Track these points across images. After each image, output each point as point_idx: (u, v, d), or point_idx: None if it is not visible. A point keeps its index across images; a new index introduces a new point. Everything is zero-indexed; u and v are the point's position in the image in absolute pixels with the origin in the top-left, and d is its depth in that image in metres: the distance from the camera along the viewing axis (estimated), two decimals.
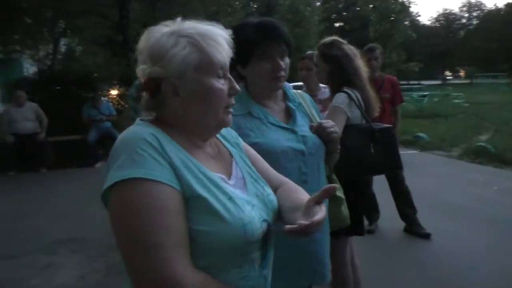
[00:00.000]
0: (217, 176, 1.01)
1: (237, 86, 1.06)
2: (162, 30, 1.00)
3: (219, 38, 1.00)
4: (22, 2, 10.61)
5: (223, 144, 1.19)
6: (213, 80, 1.00)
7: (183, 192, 0.92)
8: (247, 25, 1.54)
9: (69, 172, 7.68)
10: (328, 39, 2.51)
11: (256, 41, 1.50)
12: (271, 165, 1.48)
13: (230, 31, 1.04)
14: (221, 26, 1.04)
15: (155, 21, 1.05)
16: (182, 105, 0.99)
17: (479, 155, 7.99)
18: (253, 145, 1.47)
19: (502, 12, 52.32)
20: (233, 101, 1.07)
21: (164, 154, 0.93)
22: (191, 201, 0.93)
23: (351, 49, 2.44)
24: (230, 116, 1.07)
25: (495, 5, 58.01)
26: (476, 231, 4.30)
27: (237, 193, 1.03)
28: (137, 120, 1.04)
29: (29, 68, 18.71)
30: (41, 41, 13.69)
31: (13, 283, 3.45)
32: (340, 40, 2.48)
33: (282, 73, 1.55)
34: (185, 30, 0.99)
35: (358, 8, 48.54)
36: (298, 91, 1.80)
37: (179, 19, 1.03)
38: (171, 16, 1.05)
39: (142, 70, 0.99)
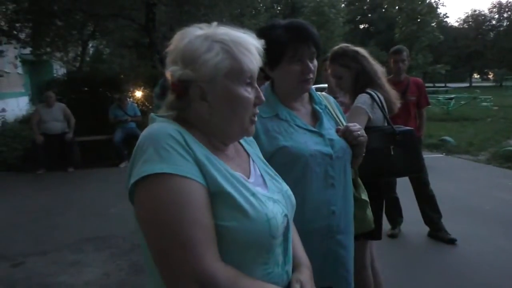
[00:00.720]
0: (239, 174, 1.02)
1: (263, 96, 1.06)
2: (196, 32, 1.00)
3: (251, 47, 1.01)
4: (53, 6, 10.88)
5: (240, 143, 1.20)
6: (241, 88, 1.00)
7: (208, 187, 0.93)
8: (277, 26, 1.53)
9: (95, 171, 7.84)
10: (338, 48, 2.49)
11: (287, 43, 1.48)
12: (299, 169, 1.48)
13: (262, 41, 1.04)
14: (254, 35, 1.04)
15: (181, 24, 1.06)
16: (208, 110, 1.00)
17: (508, 160, 7.78)
18: (282, 148, 1.47)
19: None
20: (257, 110, 1.07)
21: (189, 149, 0.94)
22: (216, 196, 0.93)
23: (362, 50, 2.43)
24: (253, 126, 1.07)
25: None
26: (504, 237, 4.19)
27: (258, 190, 1.04)
28: (157, 117, 1.04)
29: (59, 70, 19.24)
30: (70, 43, 14.02)
31: (41, 279, 3.55)
32: (348, 44, 2.48)
33: (311, 76, 1.54)
34: (219, 35, 0.99)
35: (383, 10, 48.01)
36: (323, 93, 1.79)
37: (215, 23, 1.04)
38: (197, 19, 1.05)
39: (172, 71, 0.99)
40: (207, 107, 1.00)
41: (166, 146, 0.91)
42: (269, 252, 1.01)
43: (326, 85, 3.61)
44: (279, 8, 43.63)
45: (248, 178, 1.08)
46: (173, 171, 0.89)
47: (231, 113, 1.01)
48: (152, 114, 1.05)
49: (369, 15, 53.10)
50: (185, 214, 0.88)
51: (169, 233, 0.87)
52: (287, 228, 1.07)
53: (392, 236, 4.27)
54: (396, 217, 4.39)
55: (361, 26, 54.24)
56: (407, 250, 4.06)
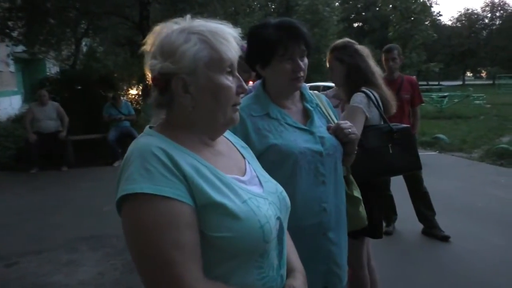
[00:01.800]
0: (231, 178, 1.02)
1: (245, 85, 1.07)
2: (172, 27, 1.01)
3: (229, 36, 1.01)
4: (47, 3, 10.80)
5: (234, 146, 1.20)
6: (222, 77, 1.01)
7: (197, 201, 0.92)
8: (267, 25, 1.54)
9: (89, 170, 7.81)
10: (340, 41, 2.50)
11: (277, 42, 1.49)
12: (289, 166, 1.49)
13: (239, 30, 1.05)
14: (230, 25, 1.05)
15: None
16: (192, 102, 1.00)
17: (501, 157, 7.83)
18: (272, 146, 1.49)
19: None
20: (240, 99, 1.07)
21: (173, 167, 0.92)
22: (207, 208, 0.93)
23: (363, 49, 2.44)
24: (237, 114, 1.07)
25: None
26: (497, 234, 4.23)
27: (253, 189, 1.04)
28: (146, 128, 1.05)
29: (52, 68, 19.11)
30: (64, 41, 13.91)
31: (35, 279, 3.53)
32: (352, 41, 2.48)
33: (302, 74, 1.55)
34: (195, 27, 1.00)
35: (377, 8, 48.10)
36: (315, 91, 1.80)
37: (188, 16, 1.04)
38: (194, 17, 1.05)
39: (151, 66, 0.99)
40: (190, 99, 1.00)
41: (147, 166, 0.91)
42: (263, 257, 1.01)
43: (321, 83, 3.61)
44: (273, 6, 43.59)
45: (243, 175, 1.08)
46: (153, 191, 0.88)
47: (214, 103, 1.01)
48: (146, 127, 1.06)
49: (363, 13, 53.18)
50: (164, 235, 0.87)
51: (148, 254, 0.88)
52: (281, 231, 1.07)
53: (386, 233, 4.29)
54: (390, 214, 4.41)
55: (355, 25, 54.31)
56: (402, 247, 4.08)
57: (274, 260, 1.05)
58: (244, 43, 1.55)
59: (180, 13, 1.09)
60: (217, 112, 1.03)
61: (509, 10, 54.23)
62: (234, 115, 1.06)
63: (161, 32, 1.01)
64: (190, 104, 1.00)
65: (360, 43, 2.54)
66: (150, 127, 1.05)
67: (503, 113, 15.28)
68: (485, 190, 5.87)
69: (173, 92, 0.99)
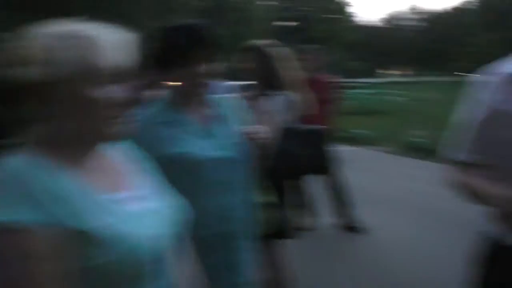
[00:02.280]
0: (105, 198, 0.92)
1: (125, 96, 0.95)
2: (46, 31, 0.88)
3: (109, 42, 0.90)
4: None
5: (122, 159, 1.08)
6: (96, 88, 0.89)
7: (65, 227, 0.81)
8: (175, 28, 1.50)
9: None
10: (260, 42, 2.53)
11: (184, 46, 1.45)
12: (195, 175, 1.44)
13: (126, 35, 0.94)
14: (117, 29, 0.94)
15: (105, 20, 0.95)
16: (64, 114, 0.88)
17: (419, 151, 8.29)
18: (176, 155, 1.43)
19: (448, 15, 55.98)
20: (119, 111, 0.94)
21: (37, 190, 0.81)
22: (78, 234, 0.82)
23: (283, 52, 2.46)
24: (116, 127, 0.95)
25: (443, 9, 61.84)
26: (416, 225, 4.46)
27: (131, 208, 0.95)
28: (14, 146, 0.91)
29: None
30: None
31: None
32: (269, 42, 2.50)
33: (209, 79, 1.51)
34: (71, 32, 0.88)
35: (301, 8, 49.48)
36: (225, 96, 1.76)
37: (68, 20, 0.92)
38: (121, 15, 0.94)
39: (19, 74, 0.85)
40: (62, 111, 0.88)
41: (7, 190, 0.80)
42: (144, 280, 0.92)
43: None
44: (200, 4, 43.19)
45: (121, 193, 0.97)
46: (10, 219, 0.77)
47: (84, 116, 0.90)
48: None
49: (288, 13, 54.32)
50: (23, 267, 0.78)
51: None
52: (168, 249, 1.00)
53: (305, 229, 4.27)
54: (307, 212, 4.42)
55: (280, 23, 55.39)
56: (322, 242, 4.14)
57: (162, 281, 0.97)
58: (152, 46, 1.49)
59: (108, 12, 0.97)
60: (93, 126, 0.91)
61: (432, 12, 58.72)
62: (111, 128, 0.94)
63: (32, 35, 0.88)
64: (62, 117, 0.89)
65: (286, 43, 2.56)
66: (19, 145, 0.91)
67: (422, 108, 16.20)
68: (403, 182, 6.16)
69: (43, 104, 0.87)
